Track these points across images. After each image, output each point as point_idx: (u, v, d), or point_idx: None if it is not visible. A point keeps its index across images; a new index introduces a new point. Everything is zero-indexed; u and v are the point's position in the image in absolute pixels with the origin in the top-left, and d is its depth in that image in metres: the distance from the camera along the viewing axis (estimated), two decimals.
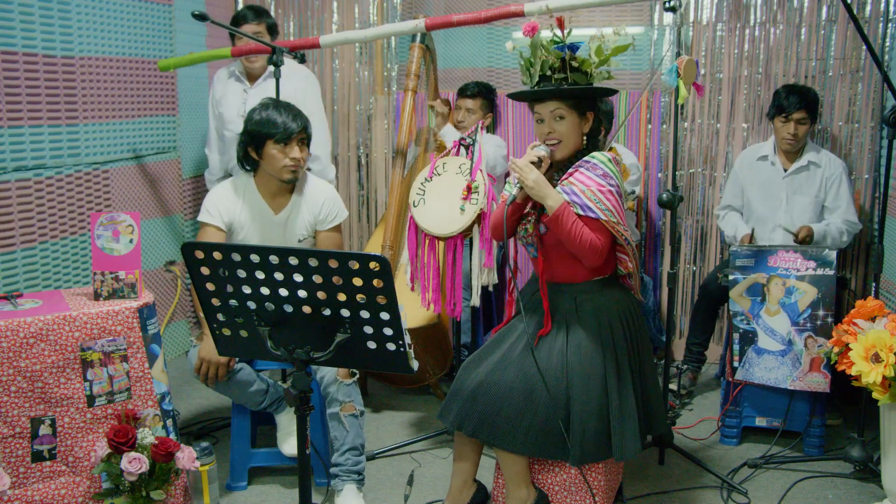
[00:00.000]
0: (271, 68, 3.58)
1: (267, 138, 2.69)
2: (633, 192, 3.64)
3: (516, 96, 2.44)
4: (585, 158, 2.36)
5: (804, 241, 3.31)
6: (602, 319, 2.35)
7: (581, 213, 2.28)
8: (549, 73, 2.33)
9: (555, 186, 2.35)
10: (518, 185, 2.30)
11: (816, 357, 2.99)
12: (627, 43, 2.35)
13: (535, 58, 2.33)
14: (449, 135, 3.60)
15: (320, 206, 2.85)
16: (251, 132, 2.73)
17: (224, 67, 3.73)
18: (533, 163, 2.30)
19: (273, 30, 3.61)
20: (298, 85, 3.55)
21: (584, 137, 2.40)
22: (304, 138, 2.74)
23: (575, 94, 2.34)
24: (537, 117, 2.39)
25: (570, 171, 2.36)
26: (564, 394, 2.27)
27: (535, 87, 2.36)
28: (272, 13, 4.42)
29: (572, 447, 2.24)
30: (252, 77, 3.65)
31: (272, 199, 2.82)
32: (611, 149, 3.61)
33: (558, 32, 2.33)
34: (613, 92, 2.44)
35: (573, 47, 2.31)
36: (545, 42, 2.33)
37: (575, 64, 2.31)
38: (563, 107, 2.34)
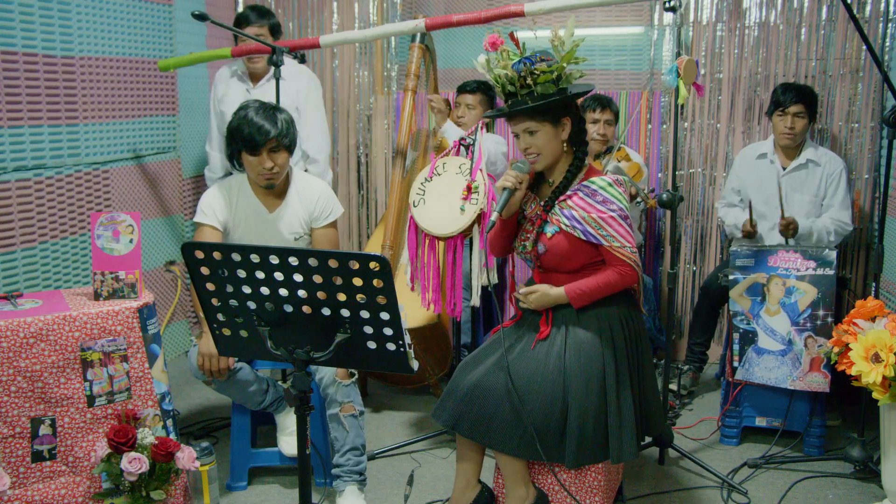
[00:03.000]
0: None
1: (239, 146, 2.69)
2: (653, 191, 3.70)
3: (489, 118, 2.41)
4: (585, 183, 2.34)
5: (787, 227, 3.31)
6: (602, 323, 2.35)
7: (583, 238, 2.30)
8: (511, 89, 2.29)
9: (552, 205, 2.37)
10: (497, 210, 2.30)
11: (816, 357, 2.99)
12: (580, 39, 2.28)
13: (495, 79, 2.30)
14: (450, 132, 3.60)
15: (314, 203, 2.85)
16: (227, 138, 2.73)
17: (226, 66, 3.73)
18: (507, 187, 2.31)
19: (276, 30, 3.61)
20: (300, 87, 3.55)
21: (565, 144, 2.37)
22: (276, 146, 2.67)
23: (538, 109, 2.29)
24: (514, 134, 2.39)
25: (569, 193, 2.35)
26: (561, 396, 2.27)
27: (508, 104, 2.32)
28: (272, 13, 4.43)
29: (568, 450, 2.24)
30: (255, 77, 3.65)
31: (266, 197, 2.82)
32: (619, 149, 3.63)
33: (513, 47, 2.29)
34: (581, 95, 2.36)
35: (529, 61, 2.24)
36: (499, 59, 2.27)
37: (537, 75, 2.24)
38: (531, 122, 2.31)
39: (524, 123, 2.32)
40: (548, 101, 2.27)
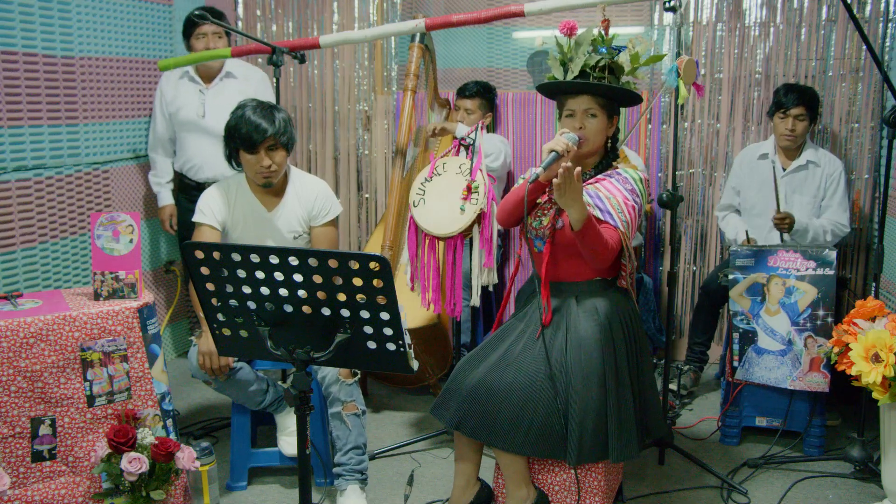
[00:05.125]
0: (227, 68, 3.64)
1: (237, 144, 2.70)
2: (651, 200, 3.73)
3: (552, 86, 2.43)
4: (618, 171, 2.40)
5: (783, 221, 3.32)
6: (602, 320, 2.35)
7: (600, 217, 2.32)
8: (588, 70, 2.37)
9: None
10: (542, 167, 2.28)
11: (816, 357, 3.00)
12: (662, 54, 2.41)
13: (578, 54, 2.36)
14: (464, 133, 3.59)
15: (313, 202, 2.85)
16: (225, 137, 2.74)
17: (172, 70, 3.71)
18: (557, 151, 2.29)
19: (228, 32, 3.60)
20: (256, 86, 3.60)
21: (609, 140, 2.45)
22: (274, 145, 2.68)
23: (613, 94, 2.38)
24: (567, 112, 2.40)
25: (599, 177, 2.39)
26: (563, 393, 2.26)
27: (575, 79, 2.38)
28: (272, 13, 4.43)
29: (569, 447, 2.24)
30: (207, 77, 3.64)
31: (264, 196, 2.82)
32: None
33: (602, 33, 2.38)
34: (640, 100, 2.48)
35: (616, 49, 2.36)
36: (592, 39, 2.36)
37: (613, 67, 2.36)
38: (596, 106, 2.37)
39: (587, 103, 2.37)
40: (628, 91, 2.37)
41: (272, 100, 3.66)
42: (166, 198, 3.76)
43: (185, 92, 3.63)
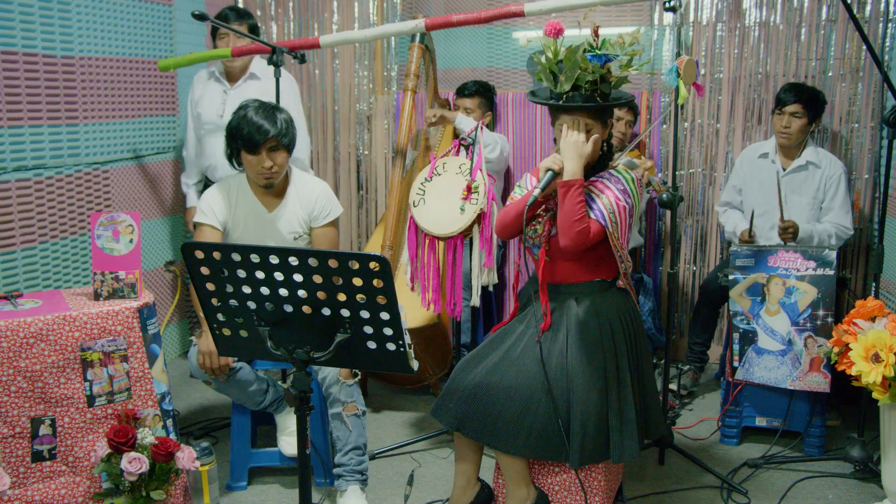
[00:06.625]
0: (252, 69, 3.62)
1: (238, 145, 2.69)
2: (666, 182, 3.73)
3: (543, 103, 2.41)
4: (611, 171, 2.40)
5: (786, 230, 3.32)
6: (602, 321, 2.35)
7: (591, 215, 2.31)
8: (581, 83, 2.32)
9: None
10: (539, 188, 2.29)
11: (816, 357, 2.99)
12: (654, 72, 2.39)
13: (570, 67, 2.31)
14: (464, 123, 3.60)
15: (314, 203, 2.85)
16: (226, 137, 2.74)
17: (204, 68, 3.71)
18: (553, 169, 2.30)
19: (254, 31, 3.58)
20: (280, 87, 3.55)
21: (603, 144, 2.44)
22: (276, 146, 2.69)
23: (609, 108, 2.37)
24: (561, 129, 2.37)
25: (593, 179, 2.38)
26: (564, 394, 2.27)
27: (566, 95, 2.33)
28: (272, 13, 4.43)
29: (572, 448, 2.24)
30: (232, 77, 3.63)
31: (265, 196, 2.82)
32: (632, 150, 3.64)
33: (592, 42, 2.33)
34: (632, 99, 2.50)
35: (608, 59, 2.31)
36: (582, 54, 2.30)
37: (605, 76, 2.33)
38: (591, 121, 2.35)
39: (585, 119, 2.34)
40: (621, 101, 2.38)
41: (297, 104, 3.66)
42: (192, 199, 3.76)
43: (210, 92, 3.62)
